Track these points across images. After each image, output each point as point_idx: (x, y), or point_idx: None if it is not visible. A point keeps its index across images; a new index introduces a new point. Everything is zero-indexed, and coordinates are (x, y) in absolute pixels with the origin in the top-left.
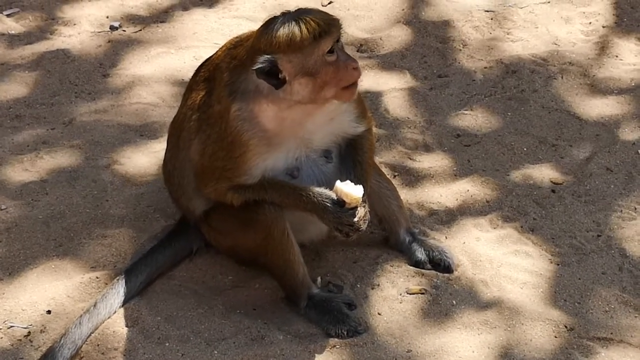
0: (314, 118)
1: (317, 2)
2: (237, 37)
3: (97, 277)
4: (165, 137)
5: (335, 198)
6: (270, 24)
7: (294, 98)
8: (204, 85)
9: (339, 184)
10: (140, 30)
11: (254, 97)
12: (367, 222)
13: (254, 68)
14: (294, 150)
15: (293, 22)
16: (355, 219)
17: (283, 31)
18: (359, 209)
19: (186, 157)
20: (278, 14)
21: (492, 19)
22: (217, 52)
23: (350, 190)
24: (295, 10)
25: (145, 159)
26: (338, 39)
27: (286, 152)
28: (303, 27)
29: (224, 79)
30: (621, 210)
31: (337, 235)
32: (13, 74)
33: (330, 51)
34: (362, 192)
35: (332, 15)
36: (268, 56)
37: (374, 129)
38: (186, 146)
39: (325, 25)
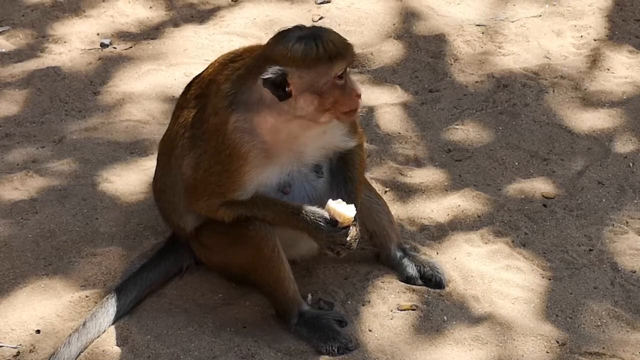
0: (311, 132)
1: (308, 17)
2: (231, 53)
3: (86, 296)
4: (156, 155)
5: (328, 217)
6: (286, 36)
7: (297, 113)
8: (196, 102)
9: (331, 203)
10: (131, 47)
11: (257, 107)
12: (357, 241)
13: (263, 77)
14: (287, 164)
15: (312, 39)
16: (348, 238)
17: (300, 46)
18: (350, 228)
19: (178, 174)
20: (280, 28)
21: (483, 33)
22: (207, 69)
23: (343, 210)
24: (313, 27)
25: (135, 176)
26: (349, 65)
27: (280, 165)
28: (321, 46)
29: (224, 91)
30: (613, 224)
31: (328, 253)
32: (3, 92)
33: (340, 75)
34: (355, 212)
35: (347, 40)
36: (279, 67)
37: (365, 144)
38: (178, 163)
39: (342, 49)
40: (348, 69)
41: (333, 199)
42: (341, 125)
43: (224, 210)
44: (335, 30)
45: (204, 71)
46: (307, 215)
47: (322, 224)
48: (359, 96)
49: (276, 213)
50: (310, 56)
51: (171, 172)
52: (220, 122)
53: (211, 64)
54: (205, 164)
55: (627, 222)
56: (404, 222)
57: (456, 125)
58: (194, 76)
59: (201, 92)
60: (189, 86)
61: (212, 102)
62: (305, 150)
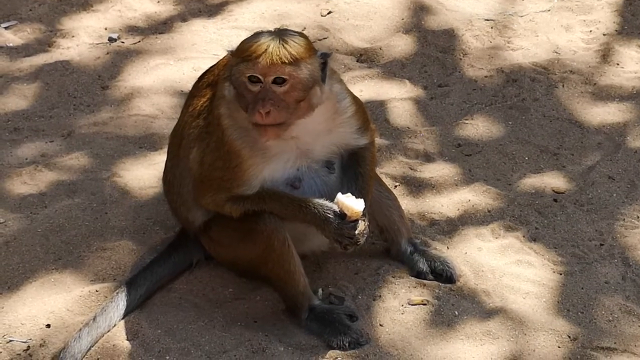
0: (304, 131)
1: (317, 11)
2: None
3: (96, 291)
4: (165, 149)
5: (338, 210)
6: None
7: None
8: (207, 91)
9: (340, 196)
10: (139, 41)
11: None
12: (365, 236)
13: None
14: (294, 160)
15: (260, 34)
16: (356, 232)
17: (247, 37)
18: (359, 222)
19: (186, 166)
20: (277, 25)
21: (492, 27)
22: (224, 57)
23: (352, 204)
24: (287, 32)
25: (144, 171)
26: (278, 81)
27: (284, 162)
28: (253, 41)
29: (224, 82)
30: (624, 219)
31: (336, 246)
32: (11, 87)
33: (255, 81)
34: (363, 206)
35: (290, 59)
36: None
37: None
38: (186, 154)
39: (269, 59)
40: (283, 87)
41: (343, 194)
42: (351, 124)
43: (230, 205)
44: (343, 25)
45: (221, 59)
46: (315, 207)
47: (330, 216)
48: (260, 113)
49: (284, 206)
50: (240, 46)
51: (180, 163)
52: (219, 115)
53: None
54: (209, 158)
55: (638, 217)
56: (414, 216)
57: (466, 120)
58: (202, 71)
59: (213, 80)
60: (202, 76)
61: (217, 92)
62: (313, 148)
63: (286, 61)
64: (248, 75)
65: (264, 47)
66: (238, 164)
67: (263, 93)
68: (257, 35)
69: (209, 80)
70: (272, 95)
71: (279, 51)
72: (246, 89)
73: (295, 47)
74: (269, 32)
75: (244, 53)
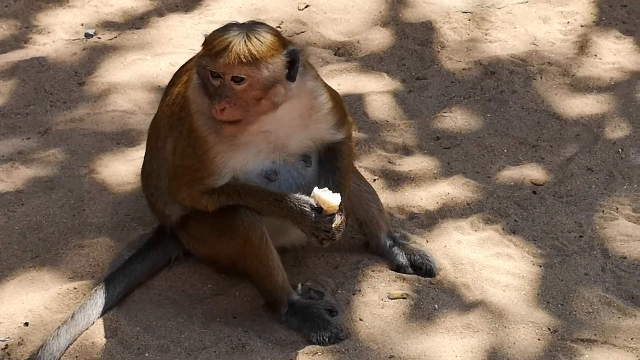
0: (276, 125)
1: (294, 5)
2: None
3: (75, 288)
4: (142, 145)
5: (315, 204)
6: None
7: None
8: (184, 78)
9: (317, 191)
10: (116, 37)
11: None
12: (342, 231)
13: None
14: (267, 152)
15: (228, 27)
16: (333, 226)
17: (215, 31)
18: (336, 216)
19: (164, 157)
20: (254, 19)
21: (470, 20)
22: None
23: (329, 198)
24: (255, 25)
25: (122, 167)
26: (237, 80)
27: (255, 153)
28: (219, 36)
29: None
30: (603, 211)
31: (312, 240)
32: None
33: (216, 76)
34: (340, 200)
35: (253, 58)
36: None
37: (354, 133)
38: (162, 145)
39: (224, 54)
40: (242, 85)
41: (320, 188)
42: (327, 120)
43: (207, 199)
44: (321, 18)
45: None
46: (291, 201)
47: (307, 209)
48: (216, 109)
49: (259, 200)
50: (209, 38)
51: (158, 154)
52: (189, 99)
53: None
54: (181, 147)
55: (617, 209)
56: (393, 210)
57: (444, 113)
58: (179, 66)
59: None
60: (182, 66)
61: (189, 79)
62: (289, 142)
63: (244, 61)
64: (210, 70)
65: (226, 43)
66: (205, 151)
67: (222, 89)
68: (226, 29)
69: (187, 70)
70: (229, 92)
71: (240, 50)
72: (209, 82)
73: (257, 46)
74: (239, 26)
75: (208, 46)
